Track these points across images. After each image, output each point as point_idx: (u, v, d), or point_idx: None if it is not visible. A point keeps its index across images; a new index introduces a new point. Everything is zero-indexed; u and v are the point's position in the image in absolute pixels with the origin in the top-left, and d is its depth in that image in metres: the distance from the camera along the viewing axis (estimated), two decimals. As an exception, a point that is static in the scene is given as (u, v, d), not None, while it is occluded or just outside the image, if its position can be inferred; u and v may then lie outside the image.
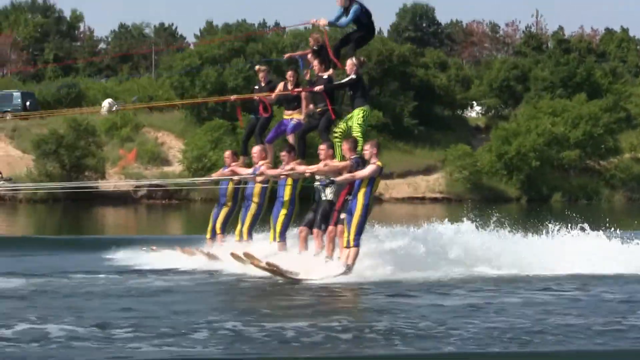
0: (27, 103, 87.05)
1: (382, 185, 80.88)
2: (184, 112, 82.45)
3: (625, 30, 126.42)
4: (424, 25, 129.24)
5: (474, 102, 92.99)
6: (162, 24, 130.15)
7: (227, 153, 24.19)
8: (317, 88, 21.82)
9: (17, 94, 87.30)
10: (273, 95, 23.10)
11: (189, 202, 71.62)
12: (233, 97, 27.25)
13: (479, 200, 78.87)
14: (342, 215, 20.64)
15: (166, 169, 76.89)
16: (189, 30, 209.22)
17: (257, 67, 24.90)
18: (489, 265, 21.69)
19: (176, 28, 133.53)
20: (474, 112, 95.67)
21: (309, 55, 22.71)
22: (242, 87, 77.99)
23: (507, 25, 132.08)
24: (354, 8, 21.64)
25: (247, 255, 20.87)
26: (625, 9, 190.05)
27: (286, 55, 25.35)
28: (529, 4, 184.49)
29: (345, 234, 20.30)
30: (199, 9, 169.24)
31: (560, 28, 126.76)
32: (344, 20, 21.77)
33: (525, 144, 79.97)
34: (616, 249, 23.34)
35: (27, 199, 68.64)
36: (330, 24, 21.96)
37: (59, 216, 61.01)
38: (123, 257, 23.98)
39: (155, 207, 68.99)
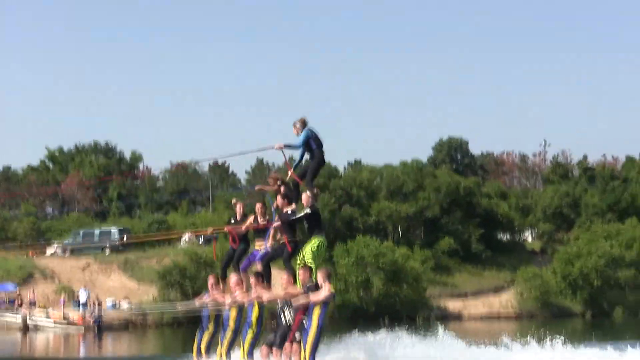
0: (124, 237, 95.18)
1: (460, 304, 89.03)
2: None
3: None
4: (459, 157, 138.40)
5: (530, 228, 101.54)
6: (215, 163, 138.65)
7: (211, 279, 25.72)
8: (275, 224, 24.29)
9: (114, 230, 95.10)
10: (243, 227, 25.30)
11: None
12: (210, 230, 29.65)
13: (547, 317, 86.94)
14: (297, 335, 22.39)
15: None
16: (240, 168, 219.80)
17: (233, 200, 26.89)
18: None
19: (228, 165, 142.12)
20: (529, 237, 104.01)
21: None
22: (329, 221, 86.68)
23: (534, 155, 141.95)
24: (305, 131, 24.36)
25: None
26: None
27: (257, 188, 27.11)
28: (554, 135, 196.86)
29: (302, 353, 22.02)
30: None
31: (584, 157, 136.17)
32: (296, 142, 24.45)
33: (587, 265, 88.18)
34: None
35: (155, 324, 75.99)
36: (286, 146, 24.54)
37: (183, 338, 68.33)
38: None
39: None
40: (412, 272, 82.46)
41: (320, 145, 24.47)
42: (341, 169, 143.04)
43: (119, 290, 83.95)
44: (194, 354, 25.34)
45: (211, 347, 25.10)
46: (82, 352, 60.23)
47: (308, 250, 23.56)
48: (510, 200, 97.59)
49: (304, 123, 24.46)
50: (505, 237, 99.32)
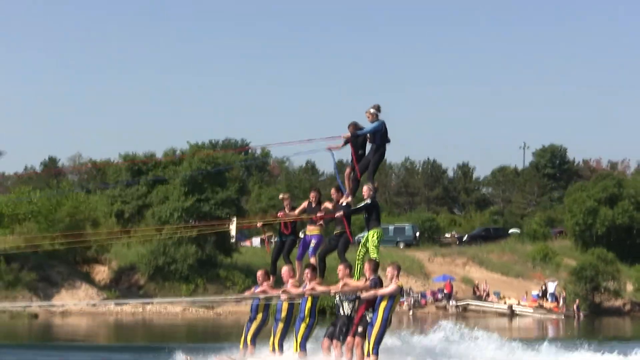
0: (417, 233, 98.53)
1: None
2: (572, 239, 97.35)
3: None
4: (558, 162, 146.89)
5: None
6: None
7: (260, 272, 25.47)
8: (338, 214, 24.20)
9: (408, 226, 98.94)
10: (296, 211, 25.36)
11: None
12: (259, 224, 28.20)
13: None
14: (360, 328, 22.60)
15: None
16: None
17: (280, 195, 26.79)
18: None
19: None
20: None
21: (332, 191, 25.00)
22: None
23: (617, 163, 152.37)
24: (379, 122, 24.20)
25: None
26: None
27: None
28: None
29: (366, 344, 22.21)
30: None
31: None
32: (365, 129, 24.38)
33: None
34: None
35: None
36: (353, 135, 24.38)
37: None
38: None
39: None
40: None
41: (387, 141, 24.43)
42: (450, 172, 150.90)
43: (488, 280, 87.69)
44: (241, 345, 25.40)
45: (257, 337, 25.25)
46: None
47: (371, 244, 23.76)
48: None
49: (378, 109, 24.40)
50: None
